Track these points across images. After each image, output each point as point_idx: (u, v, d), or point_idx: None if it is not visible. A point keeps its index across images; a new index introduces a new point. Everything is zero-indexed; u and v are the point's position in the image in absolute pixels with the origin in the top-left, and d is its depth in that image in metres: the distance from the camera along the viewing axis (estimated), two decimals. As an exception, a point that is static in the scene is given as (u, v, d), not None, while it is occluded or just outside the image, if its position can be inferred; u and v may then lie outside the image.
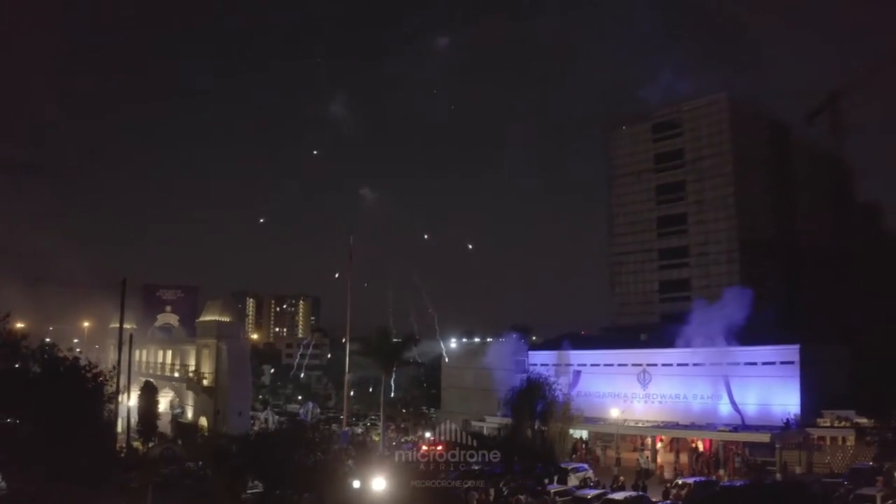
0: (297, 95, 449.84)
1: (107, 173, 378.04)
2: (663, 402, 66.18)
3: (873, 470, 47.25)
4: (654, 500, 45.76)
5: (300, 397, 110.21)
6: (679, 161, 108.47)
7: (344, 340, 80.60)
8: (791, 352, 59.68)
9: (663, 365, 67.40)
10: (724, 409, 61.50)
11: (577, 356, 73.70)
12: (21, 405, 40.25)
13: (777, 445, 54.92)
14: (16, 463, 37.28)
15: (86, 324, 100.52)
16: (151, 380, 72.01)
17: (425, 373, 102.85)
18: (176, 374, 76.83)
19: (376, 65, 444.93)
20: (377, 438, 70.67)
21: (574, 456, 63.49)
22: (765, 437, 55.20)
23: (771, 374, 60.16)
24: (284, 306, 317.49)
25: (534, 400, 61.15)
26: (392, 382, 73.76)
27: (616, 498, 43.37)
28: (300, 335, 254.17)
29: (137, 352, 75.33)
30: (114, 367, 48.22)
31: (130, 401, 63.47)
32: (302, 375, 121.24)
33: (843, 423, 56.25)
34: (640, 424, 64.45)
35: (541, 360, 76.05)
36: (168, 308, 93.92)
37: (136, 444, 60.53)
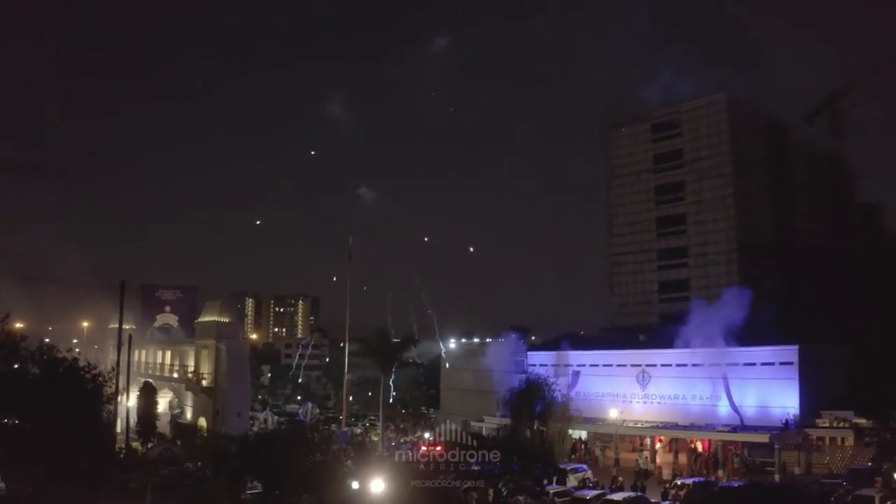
0: (297, 95, 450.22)
1: (107, 173, 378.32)
2: (662, 403, 66.23)
3: (872, 470, 47.33)
4: (652, 500, 45.77)
5: (299, 398, 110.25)
6: (678, 161, 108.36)
7: (342, 345, 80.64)
8: (790, 352, 59.72)
9: (662, 365, 67.48)
10: (723, 409, 61.55)
11: (576, 356, 73.76)
12: (20, 406, 40.26)
13: (776, 446, 54.98)
14: (15, 464, 37.28)
15: (85, 324, 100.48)
16: (150, 380, 72.16)
17: (424, 373, 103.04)
18: (175, 375, 76.82)
19: (376, 65, 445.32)
20: (376, 439, 70.69)
21: (573, 456, 63.56)
22: (764, 438, 55.29)
23: (770, 374, 60.20)
24: (284, 306, 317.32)
25: (533, 400, 61.14)
26: (391, 383, 73.80)
27: (615, 498, 43.42)
28: (299, 335, 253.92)
29: (136, 352, 75.35)
30: (113, 368, 48.30)
31: (129, 401, 63.53)
32: (301, 376, 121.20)
33: (841, 424, 56.31)
34: (639, 425, 64.51)
35: (540, 361, 76.09)
36: (167, 308, 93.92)
37: (135, 444, 60.55)
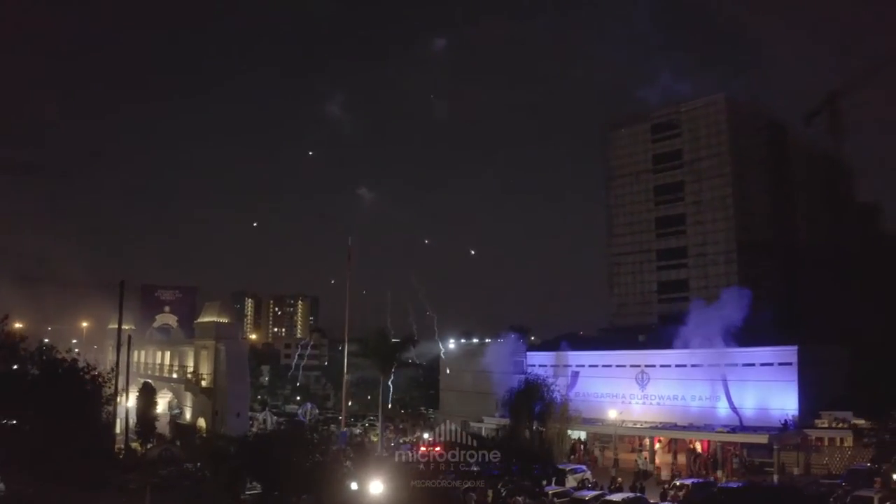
0: (297, 95, 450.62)
1: (107, 173, 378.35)
2: (661, 403, 66.23)
3: (871, 471, 47.35)
4: (651, 501, 45.84)
5: (298, 398, 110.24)
6: (677, 162, 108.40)
7: (340, 348, 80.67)
8: (789, 353, 59.70)
9: (661, 366, 67.47)
10: (723, 410, 61.55)
11: (576, 357, 73.78)
12: (20, 407, 40.28)
13: (775, 446, 55.01)
14: (15, 464, 37.25)
15: (84, 324, 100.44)
16: (150, 381, 72.07)
17: (424, 373, 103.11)
18: (174, 375, 76.78)
19: (376, 65, 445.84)
20: (375, 439, 70.70)
21: (572, 457, 63.59)
22: (763, 439, 55.32)
23: (769, 375, 60.18)
24: (283, 307, 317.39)
25: (532, 401, 61.16)
26: (390, 383, 73.79)
27: (614, 499, 43.48)
28: (299, 335, 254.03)
29: (136, 353, 75.34)
30: (112, 369, 48.30)
31: (129, 402, 63.56)
32: (300, 376, 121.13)
33: (840, 425, 56.31)
34: (638, 425, 64.52)
35: (539, 361, 76.14)
36: (166, 308, 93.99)
37: (134, 445, 60.59)
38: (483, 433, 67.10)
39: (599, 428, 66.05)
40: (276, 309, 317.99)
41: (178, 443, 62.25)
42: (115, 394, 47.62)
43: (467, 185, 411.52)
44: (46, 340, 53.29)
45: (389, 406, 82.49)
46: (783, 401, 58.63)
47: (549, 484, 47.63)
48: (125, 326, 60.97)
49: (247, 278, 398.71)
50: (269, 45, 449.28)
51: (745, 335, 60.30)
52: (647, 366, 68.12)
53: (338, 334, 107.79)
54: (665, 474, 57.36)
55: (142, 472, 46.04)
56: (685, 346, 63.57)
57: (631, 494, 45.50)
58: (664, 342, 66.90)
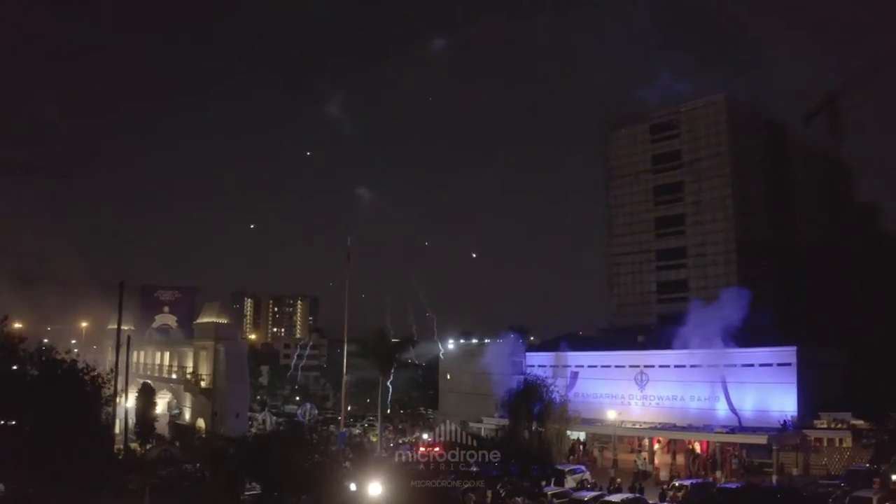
0: (297, 95, 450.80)
1: (107, 173, 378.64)
2: (660, 404, 66.22)
3: (870, 472, 47.44)
4: (650, 502, 45.90)
5: (298, 398, 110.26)
6: (677, 162, 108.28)
7: (339, 350, 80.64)
8: (788, 354, 59.69)
9: (660, 366, 67.44)
10: (722, 410, 61.55)
11: (575, 357, 73.77)
12: (19, 408, 40.31)
13: (774, 447, 55.03)
14: (14, 465, 37.29)
15: (84, 324, 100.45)
16: (149, 381, 72.06)
17: (423, 374, 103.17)
18: (174, 376, 76.81)
19: (376, 65, 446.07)
20: (375, 439, 70.72)
21: (571, 457, 63.59)
22: (762, 439, 55.35)
23: (768, 375, 60.17)
24: (283, 307, 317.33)
25: (531, 401, 61.21)
26: (389, 384, 73.78)
27: (613, 500, 43.55)
28: (298, 335, 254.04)
29: (135, 353, 75.34)
30: (112, 370, 48.31)
31: (128, 402, 63.57)
32: (299, 376, 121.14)
33: (839, 426, 56.35)
34: (637, 426, 64.52)
35: (538, 362, 76.18)
36: (166, 309, 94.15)
37: (133, 445, 60.66)
38: (482, 434, 67.18)
39: (598, 428, 66.06)
40: (276, 309, 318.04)
41: (177, 443, 62.34)
42: (115, 394, 47.65)
43: (467, 185, 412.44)
44: (46, 341, 53.37)
45: (388, 407, 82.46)
46: (782, 401, 58.63)
47: (548, 484, 47.69)
48: (124, 327, 60.96)
49: (246, 278, 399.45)
50: (269, 45, 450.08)
51: (744, 335, 60.34)
52: (646, 366, 68.11)
53: (337, 334, 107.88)
54: (664, 475, 57.38)
55: (141, 472, 46.10)
56: (684, 347, 63.59)
57: (630, 495, 45.55)
58: (663, 342, 66.87)
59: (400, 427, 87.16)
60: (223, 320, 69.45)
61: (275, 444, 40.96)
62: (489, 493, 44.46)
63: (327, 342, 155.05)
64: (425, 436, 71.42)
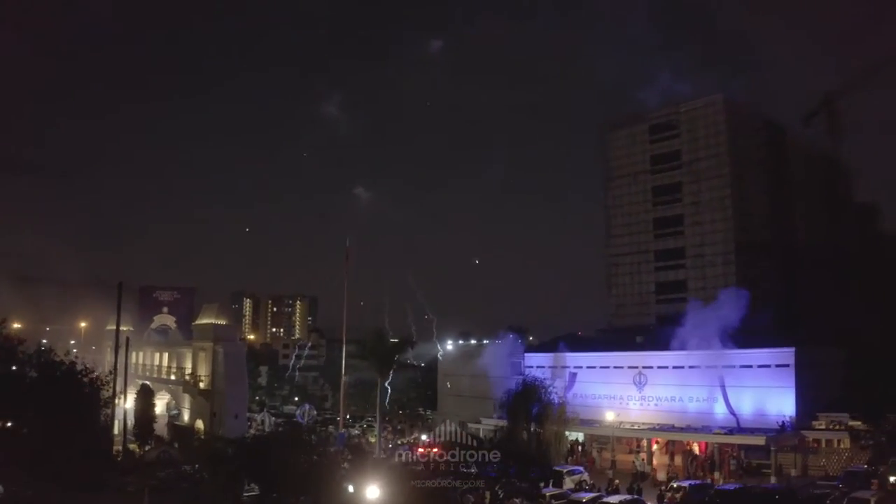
0: (297, 95, 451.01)
1: (107, 173, 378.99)
2: (659, 405, 66.23)
3: (868, 473, 47.45)
4: (648, 503, 45.92)
5: (297, 399, 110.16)
6: (676, 162, 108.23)
7: (338, 351, 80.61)
8: (786, 355, 59.69)
9: (659, 367, 67.45)
10: (720, 411, 61.57)
11: (573, 358, 73.77)
12: (19, 409, 40.40)
13: (772, 448, 55.05)
14: (14, 466, 37.36)
15: (83, 324, 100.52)
16: (148, 382, 72.04)
17: (422, 374, 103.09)
18: (172, 377, 76.74)
19: (376, 65, 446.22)
20: (373, 440, 70.75)
21: (570, 458, 63.57)
22: (760, 440, 55.36)
23: (766, 377, 60.20)
24: (281, 307, 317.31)
25: (529, 402, 61.18)
26: (388, 384, 73.83)
27: (611, 501, 43.62)
28: (297, 336, 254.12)
29: (134, 354, 75.31)
30: (110, 371, 48.41)
31: (127, 403, 63.60)
32: (298, 377, 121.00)
33: (837, 427, 56.39)
34: (635, 427, 64.46)
35: (537, 362, 76.19)
36: (165, 309, 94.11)
37: (132, 446, 60.73)
38: (481, 434, 67.23)
39: (597, 429, 66.05)
40: (275, 309, 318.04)
41: (176, 444, 62.37)
42: (114, 396, 47.71)
43: (467, 185, 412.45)
44: (45, 341, 53.43)
45: (387, 408, 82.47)
46: (780, 402, 58.64)
47: (546, 486, 47.72)
48: (123, 327, 61.00)
49: (245, 278, 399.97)
50: (269, 45, 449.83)
51: (742, 336, 60.36)
52: (644, 367, 68.12)
53: (336, 334, 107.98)
54: (662, 476, 57.36)
55: (140, 473, 46.20)
56: (683, 348, 63.59)
57: (628, 496, 45.58)
58: (662, 343, 66.81)
59: (399, 428, 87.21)
60: (222, 321, 69.43)
61: (273, 446, 41.09)
62: (487, 494, 44.49)
63: (326, 342, 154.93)
64: (424, 436, 71.45)
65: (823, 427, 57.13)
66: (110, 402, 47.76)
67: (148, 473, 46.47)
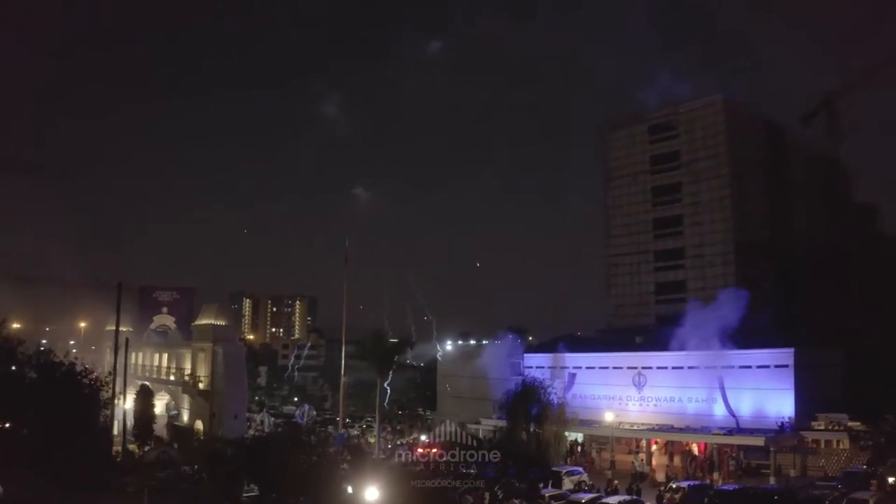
0: (297, 95, 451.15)
1: (107, 173, 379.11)
2: (658, 405, 66.28)
3: (867, 474, 47.48)
4: (647, 504, 45.97)
5: (296, 399, 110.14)
6: (675, 163, 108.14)
7: (338, 351, 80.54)
8: (786, 355, 59.75)
9: (658, 368, 67.52)
10: (719, 412, 61.64)
11: (573, 359, 73.82)
12: (18, 410, 40.44)
13: (772, 449, 55.07)
14: (13, 467, 37.41)
15: (82, 325, 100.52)
16: (147, 383, 72.01)
17: (421, 375, 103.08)
18: (172, 378, 76.68)
19: (376, 65, 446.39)
20: (373, 440, 70.76)
21: (569, 459, 63.59)
22: (759, 441, 55.38)
23: (765, 377, 60.28)
24: (281, 307, 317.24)
25: (529, 403, 61.11)
26: (388, 385, 73.85)
27: (610, 502, 43.65)
28: (297, 336, 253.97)
29: (133, 355, 75.27)
30: (110, 372, 48.44)
31: (126, 404, 63.58)
32: (297, 377, 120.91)
33: (836, 427, 56.43)
34: (634, 427, 64.49)
35: (536, 363, 76.23)
36: (164, 310, 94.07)
37: (131, 447, 60.70)
38: (480, 435, 67.22)
39: (596, 430, 66.05)
40: (274, 309, 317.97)
41: (175, 445, 62.30)
42: (113, 397, 47.74)
43: (467, 185, 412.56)
44: (44, 341, 53.48)
45: (387, 406, 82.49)
46: (779, 403, 58.70)
47: (545, 486, 47.73)
48: (123, 328, 60.98)
49: (245, 278, 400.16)
50: (269, 45, 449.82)
51: (742, 337, 60.40)
52: (643, 367, 68.17)
53: (336, 335, 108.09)
54: (661, 476, 57.37)
55: (139, 474, 46.18)
56: (682, 348, 63.67)
57: (627, 497, 45.60)
58: (661, 343, 66.87)
59: (398, 428, 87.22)
60: (221, 322, 69.40)
61: (273, 446, 41.14)
62: (487, 494, 44.51)
63: (325, 343, 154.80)
64: (423, 437, 71.47)
65: (822, 428, 57.18)
66: (110, 403, 47.78)
67: (147, 474, 46.44)
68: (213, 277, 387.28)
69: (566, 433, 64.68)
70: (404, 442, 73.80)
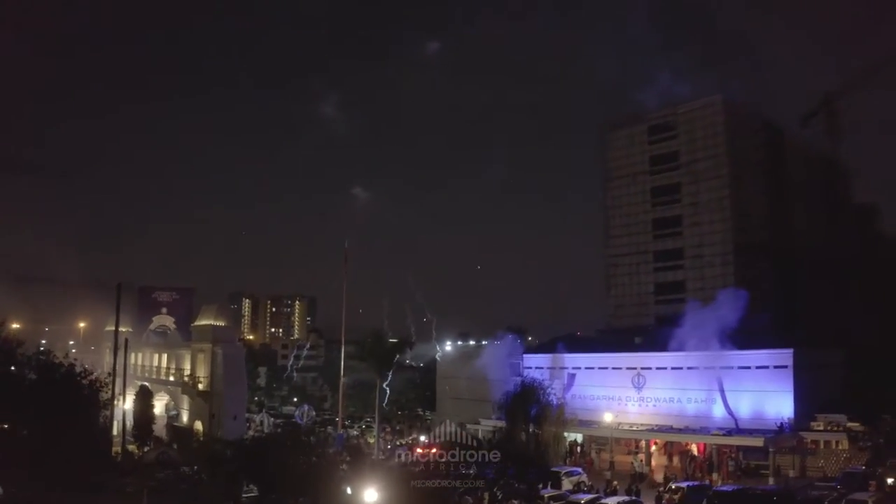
0: (297, 95, 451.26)
1: (107, 173, 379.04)
2: (657, 406, 66.33)
3: (866, 474, 47.52)
4: (646, 504, 45.98)
5: (295, 399, 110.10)
6: (674, 163, 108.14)
7: (337, 351, 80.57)
8: (785, 356, 59.81)
9: (657, 368, 67.56)
10: (718, 412, 61.70)
11: (572, 359, 73.85)
12: (18, 410, 40.41)
13: (771, 449, 55.09)
14: (13, 468, 37.38)
15: (81, 325, 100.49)
16: (146, 384, 72.02)
17: (421, 375, 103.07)
18: (171, 378, 76.67)
19: (376, 65, 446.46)
20: (372, 441, 70.76)
21: (568, 460, 63.60)
22: (758, 441, 55.41)
23: (765, 378, 60.33)
24: (280, 307, 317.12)
25: (528, 403, 61.11)
26: (387, 385, 73.86)
27: (609, 502, 43.62)
28: (296, 336, 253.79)
29: (133, 355, 75.29)
30: (109, 373, 48.42)
31: (126, 405, 63.57)
32: (296, 377, 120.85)
33: (835, 428, 56.48)
34: (634, 428, 64.53)
35: (535, 363, 76.24)
36: (164, 310, 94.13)
37: (131, 448, 60.71)
38: (479, 435, 67.17)
39: (595, 430, 66.06)
40: (274, 309, 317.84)
41: (174, 446, 62.30)
42: (113, 397, 47.73)
43: (467, 185, 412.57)
44: (44, 342, 53.46)
45: (387, 406, 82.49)
46: (779, 404, 58.76)
47: (544, 487, 47.73)
48: (122, 328, 60.97)
49: (245, 278, 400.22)
50: (269, 45, 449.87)
51: (741, 337, 60.44)
52: (643, 368, 68.23)
53: (335, 335, 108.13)
54: (660, 477, 57.38)
55: (139, 475, 46.21)
56: (681, 349, 63.72)
57: (626, 498, 45.63)
58: (660, 344, 66.92)
59: (398, 428, 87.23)
60: (221, 323, 69.40)
61: (272, 447, 41.10)
62: (486, 495, 44.50)
63: (325, 343, 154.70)
64: (422, 437, 71.48)
65: (822, 428, 57.22)
66: (109, 404, 47.74)
67: (147, 474, 46.48)
68: (212, 278, 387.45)
69: (565, 434, 64.69)
70: (404, 442, 73.80)
